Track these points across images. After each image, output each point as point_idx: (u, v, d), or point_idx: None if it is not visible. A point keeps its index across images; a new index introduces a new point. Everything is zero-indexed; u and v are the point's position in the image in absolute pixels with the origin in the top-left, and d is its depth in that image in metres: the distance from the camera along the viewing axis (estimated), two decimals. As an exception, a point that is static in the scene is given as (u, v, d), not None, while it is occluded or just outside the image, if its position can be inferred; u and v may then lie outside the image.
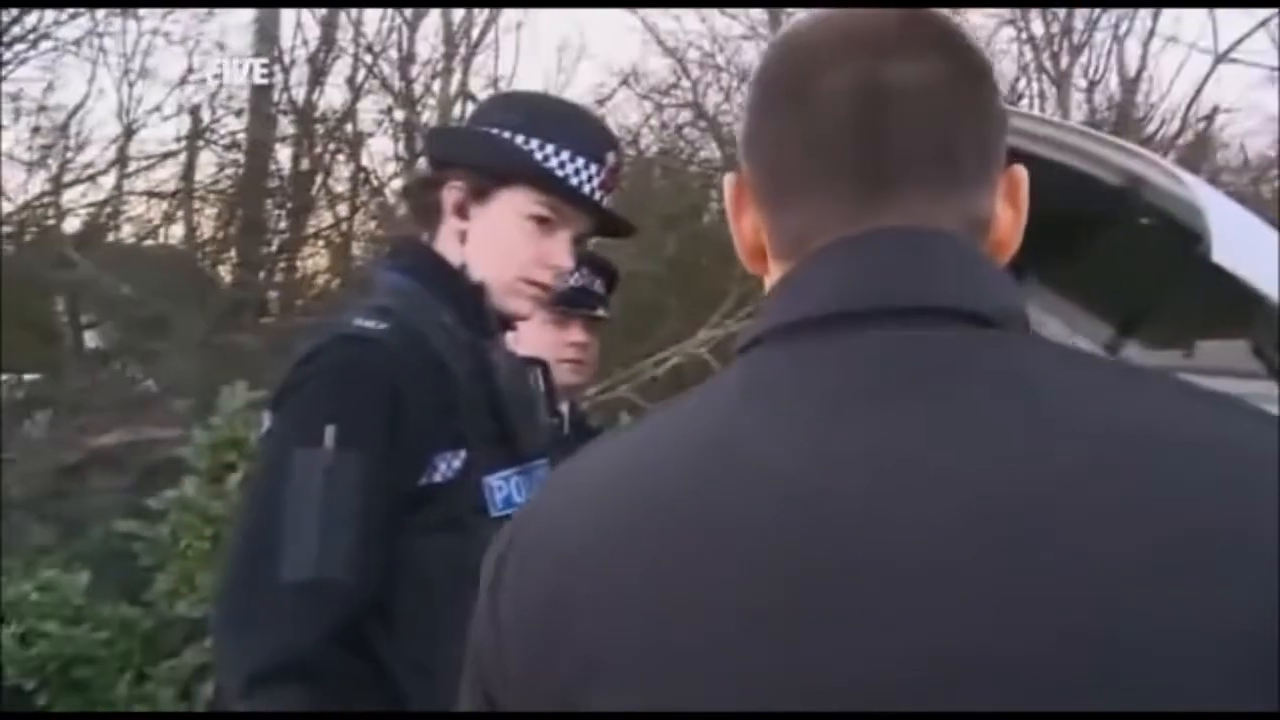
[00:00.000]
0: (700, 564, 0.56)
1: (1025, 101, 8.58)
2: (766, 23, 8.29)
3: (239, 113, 8.03)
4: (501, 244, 1.39)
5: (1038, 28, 8.80)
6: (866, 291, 0.60)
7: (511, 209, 1.39)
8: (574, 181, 1.39)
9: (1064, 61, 8.74)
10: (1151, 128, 8.92)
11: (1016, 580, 0.50)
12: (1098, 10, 8.58)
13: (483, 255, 1.39)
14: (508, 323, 1.44)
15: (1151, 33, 8.86)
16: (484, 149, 1.41)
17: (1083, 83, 8.99)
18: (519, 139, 1.39)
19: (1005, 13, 8.74)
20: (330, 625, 1.16)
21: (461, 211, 1.40)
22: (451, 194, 1.40)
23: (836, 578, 0.53)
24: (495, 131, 1.40)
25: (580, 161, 1.39)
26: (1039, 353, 0.58)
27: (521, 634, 0.62)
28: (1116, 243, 2.16)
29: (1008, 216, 0.67)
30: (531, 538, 0.64)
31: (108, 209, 7.89)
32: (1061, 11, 8.60)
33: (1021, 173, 0.68)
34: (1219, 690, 0.48)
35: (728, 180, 0.70)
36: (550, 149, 1.39)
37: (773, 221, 0.67)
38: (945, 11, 0.67)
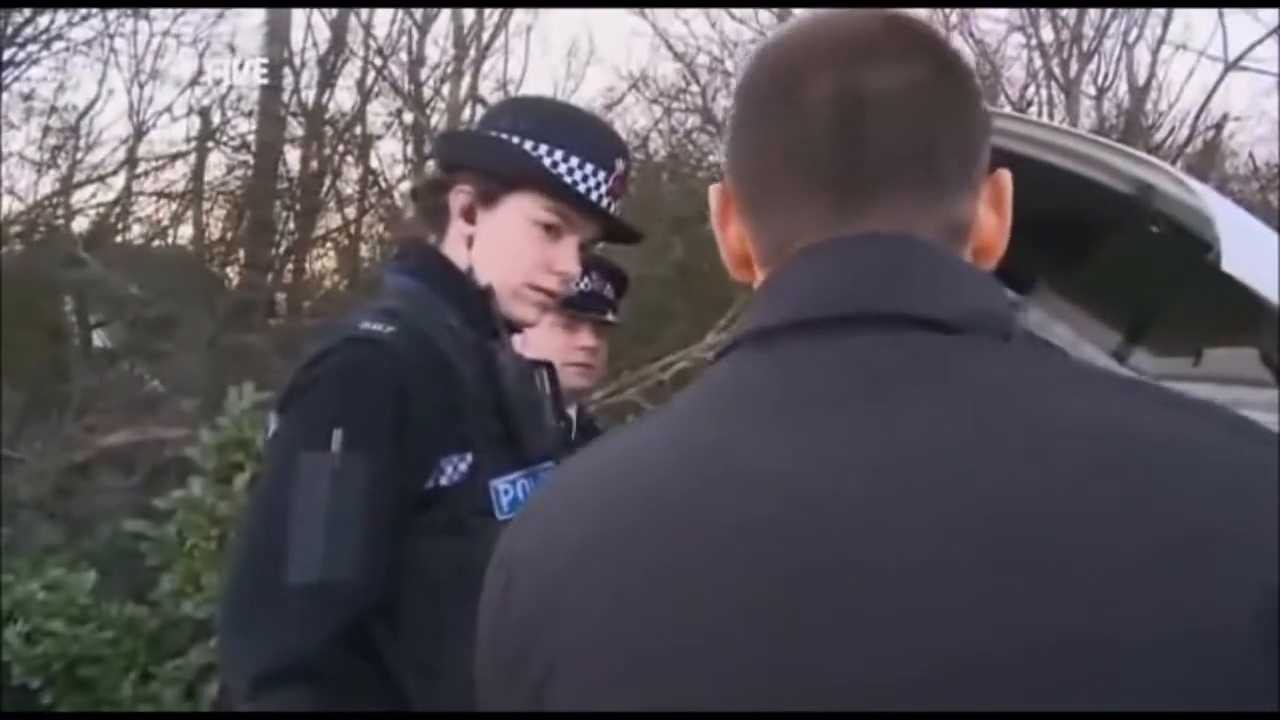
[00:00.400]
0: (701, 564, 0.56)
1: (1034, 108, 8.57)
2: (775, 27, 8.27)
3: (249, 114, 8.07)
4: (508, 249, 1.39)
5: (1047, 34, 8.79)
6: (841, 298, 0.60)
7: (519, 214, 1.39)
8: (582, 188, 1.39)
9: (1073, 68, 8.73)
10: (1160, 135, 8.91)
11: (1017, 579, 0.50)
12: (1107, 17, 8.57)
13: (489, 260, 1.39)
14: (515, 326, 1.43)
15: (1161, 40, 8.85)
16: (493, 153, 1.41)
17: (1092, 90, 8.98)
18: (528, 144, 1.39)
19: (1014, 18, 8.74)
20: (336, 627, 1.17)
21: (469, 216, 1.40)
22: (459, 198, 1.40)
23: (837, 578, 0.53)
24: (505, 136, 1.40)
25: (589, 168, 1.39)
26: (1008, 358, 0.59)
27: (517, 635, 0.62)
28: (1126, 250, 2.16)
29: (992, 221, 0.67)
30: (528, 541, 0.65)
31: (117, 209, 7.93)
32: (1071, 18, 8.59)
33: (1006, 177, 0.68)
34: (1218, 690, 0.48)
35: (713, 190, 0.70)
36: (559, 155, 1.38)
37: (756, 229, 0.67)
38: (926, 13, 0.67)
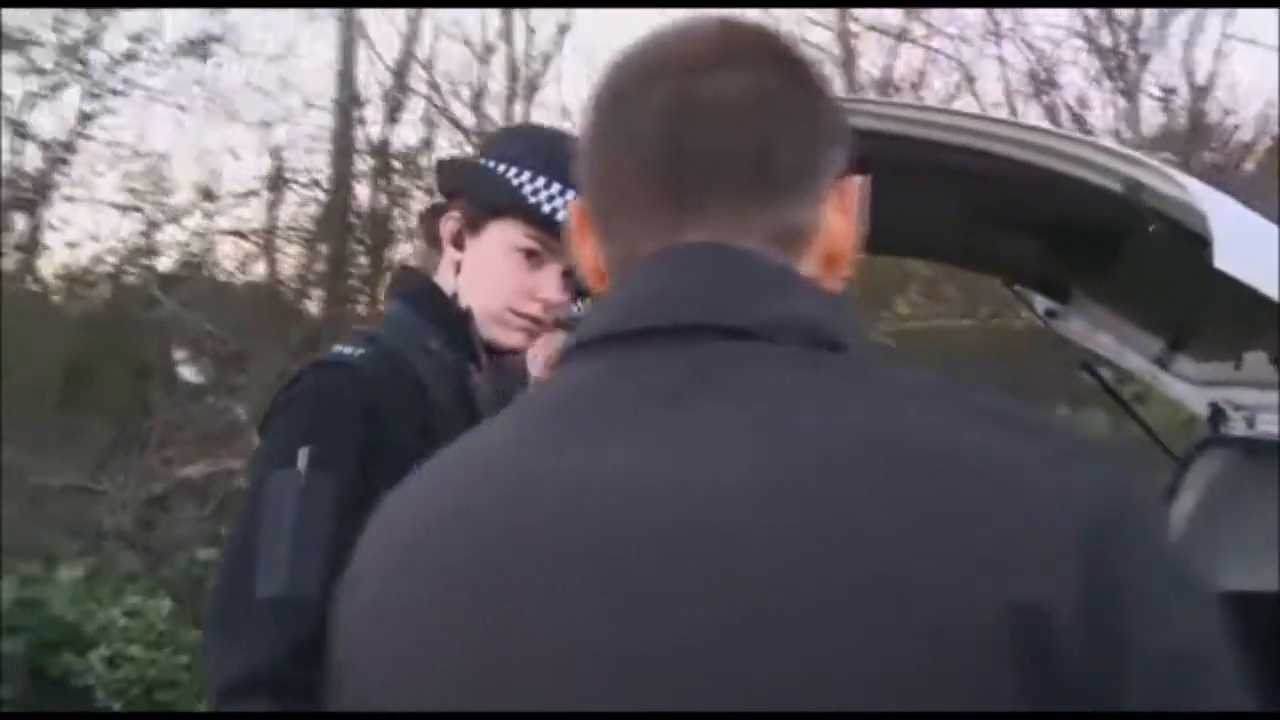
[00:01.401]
0: (510, 570, 0.59)
1: (1093, 112, 8.39)
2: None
3: (319, 152, 8.31)
4: (490, 275, 1.41)
5: (1105, 37, 8.59)
6: (653, 310, 0.62)
7: (501, 241, 1.41)
8: (561, 216, 1.39)
9: (1133, 71, 8.51)
10: (1226, 135, 8.62)
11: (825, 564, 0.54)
12: (1166, 17, 8.34)
13: (473, 285, 1.42)
14: (497, 349, 1.45)
15: (1224, 40, 8.57)
16: (478, 181, 1.44)
17: (1156, 92, 8.74)
18: (511, 171, 1.41)
19: (1072, 22, 8.55)
20: (299, 642, 1.19)
21: (458, 242, 1.43)
22: (449, 224, 1.44)
23: (652, 565, 0.56)
24: (492, 164, 1.43)
25: (570, 195, 1.40)
26: (828, 368, 0.60)
27: (344, 640, 0.69)
28: (1164, 258, 2.12)
29: (839, 226, 0.67)
30: (365, 541, 0.69)
31: (195, 249, 8.22)
32: (1128, 19, 8.38)
33: (854, 183, 0.68)
34: (963, 693, 0.52)
35: (571, 206, 0.71)
36: (540, 182, 1.40)
37: (603, 242, 0.68)
38: (765, 20, 0.68)
